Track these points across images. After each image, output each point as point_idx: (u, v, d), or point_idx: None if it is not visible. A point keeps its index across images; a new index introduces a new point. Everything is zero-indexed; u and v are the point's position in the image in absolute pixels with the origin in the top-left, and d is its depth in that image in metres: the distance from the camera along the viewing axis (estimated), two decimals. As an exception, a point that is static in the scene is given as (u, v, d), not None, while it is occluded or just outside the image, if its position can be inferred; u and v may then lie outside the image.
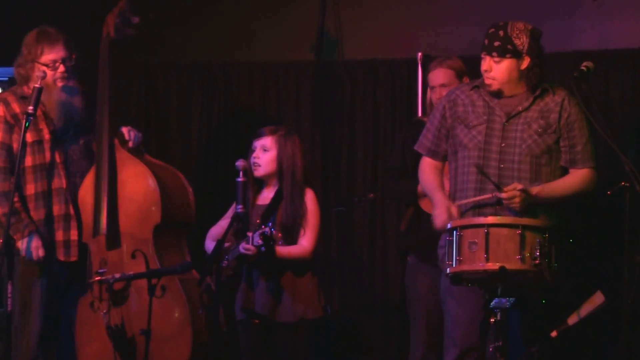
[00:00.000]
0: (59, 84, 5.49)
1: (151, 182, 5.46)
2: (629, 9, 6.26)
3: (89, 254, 5.50)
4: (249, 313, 5.15)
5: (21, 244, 5.38)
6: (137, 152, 5.62)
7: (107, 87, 5.62)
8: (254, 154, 5.26)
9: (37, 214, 5.47)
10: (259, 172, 5.25)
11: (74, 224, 5.51)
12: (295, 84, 6.56)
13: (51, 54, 5.47)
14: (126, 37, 5.71)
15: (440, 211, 4.80)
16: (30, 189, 5.47)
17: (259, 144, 5.27)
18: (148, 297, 5.15)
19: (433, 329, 5.46)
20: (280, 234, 5.12)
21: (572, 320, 4.81)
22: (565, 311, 4.85)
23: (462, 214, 4.82)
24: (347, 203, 6.29)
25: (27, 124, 5.22)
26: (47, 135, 5.49)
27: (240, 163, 5.07)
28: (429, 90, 5.65)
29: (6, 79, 6.79)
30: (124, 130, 5.62)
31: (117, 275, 5.27)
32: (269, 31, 6.75)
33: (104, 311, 5.35)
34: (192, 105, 6.66)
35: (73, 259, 5.49)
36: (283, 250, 5.11)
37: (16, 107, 5.46)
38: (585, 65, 4.87)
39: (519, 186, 4.69)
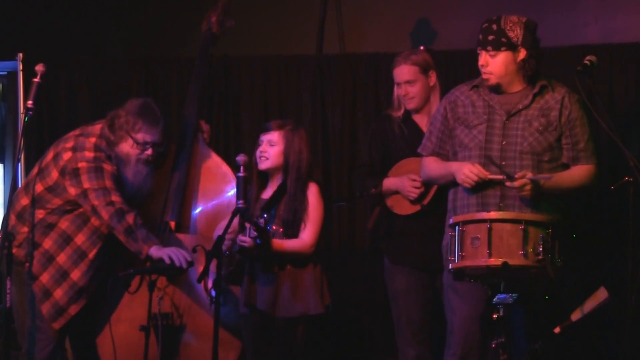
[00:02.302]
0: (140, 166, 5.32)
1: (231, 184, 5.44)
2: (633, 3, 6.24)
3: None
4: (251, 307, 5.14)
5: (156, 252, 5.11)
6: (210, 146, 5.66)
7: (201, 79, 5.72)
8: (261, 148, 5.24)
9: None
10: (266, 165, 5.22)
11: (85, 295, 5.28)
12: (296, 77, 6.53)
13: (147, 135, 5.29)
14: (222, 35, 5.83)
15: (460, 166, 4.81)
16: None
17: (265, 138, 5.25)
18: (202, 294, 5.24)
19: (416, 327, 5.45)
20: (281, 229, 5.11)
21: (575, 316, 4.79)
22: (568, 307, 4.83)
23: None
24: (349, 198, 6.25)
25: (26, 119, 5.13)
26: (118, 205, 5.24)
27: (240, 158, 5.04)
28: (395, 86, 5.58)
29: (5, 73, 6.74)
30: (202, 123, 5.68)
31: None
32: (269, 25, 6.72)
33: (159, 296, 5.27)
34: (192, 100, 6.63)
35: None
36: (279, 243, 5.09)
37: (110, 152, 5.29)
38: (588, 59, 4.87)
39: (529, 174, 4.68)
